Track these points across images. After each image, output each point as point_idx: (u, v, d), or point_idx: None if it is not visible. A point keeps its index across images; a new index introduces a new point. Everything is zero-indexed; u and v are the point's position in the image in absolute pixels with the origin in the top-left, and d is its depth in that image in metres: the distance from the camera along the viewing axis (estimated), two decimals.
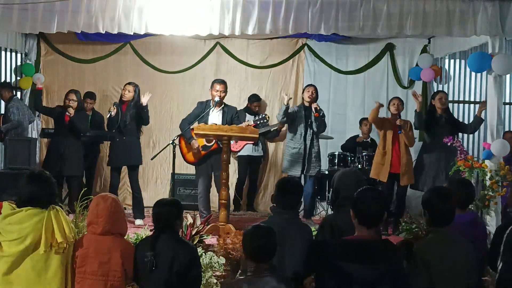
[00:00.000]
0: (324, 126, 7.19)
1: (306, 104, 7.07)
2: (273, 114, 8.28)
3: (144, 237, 5.07)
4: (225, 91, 6.64)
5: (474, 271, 3.43)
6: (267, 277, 3.10)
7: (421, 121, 6.87)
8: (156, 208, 3.70)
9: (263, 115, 6.74)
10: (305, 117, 7.02)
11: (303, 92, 7.26)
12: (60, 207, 3.72)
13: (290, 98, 6.97)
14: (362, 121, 8.09)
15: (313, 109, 6.98)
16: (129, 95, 6.92)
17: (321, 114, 7.02)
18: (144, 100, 6.84)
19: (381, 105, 6.82)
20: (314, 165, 7.06)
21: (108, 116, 6.93)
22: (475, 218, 4.19)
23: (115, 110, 6.84)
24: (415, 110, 6.93)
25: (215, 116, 6.62)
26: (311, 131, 7.03)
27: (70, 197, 7.24)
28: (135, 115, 6.88)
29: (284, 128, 8.19)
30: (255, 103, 8.28)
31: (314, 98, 7.09)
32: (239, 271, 3.29)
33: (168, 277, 3.51)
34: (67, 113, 7.06)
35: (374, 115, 6.76)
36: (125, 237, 3.95)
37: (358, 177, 4.04)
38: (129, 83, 7.02)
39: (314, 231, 4.17)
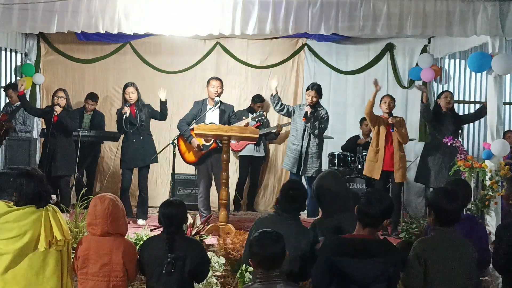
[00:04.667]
0: (321, 127, 7.15)
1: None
2: (273, 115, 8.29)
3: (147, 237, 5.04)
4: (222, 87, 6.68)
5: (475, 272, 3.43)
6: (279, 285, 3.00)
7: (429, 111, 6.88)
8: (169, 209, 3.67)
9: (261, 112, 6.83)
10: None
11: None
12: (59, 207, 3.73)
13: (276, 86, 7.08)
14: (363, 121, 8.08)
15: (304, 111, 7.01)
16: (134, 96, 6.88)
17: (309, 118, 7.00)
18: (162, 95, 6.92)
19: (378, 85, 6.68)
20: (310, 166, 7.06)
21: (124, 118, 6.81)
22: (471, 217, 4.18)
23: (128, 110, 6.80)
24: (421, 101, 7.02)
25: (212, 115, 6.62)
26: (309, 131, 7.05)
27: (61, 197, 7.17)
28: (149, 114, 6.93)
29: (284, 131, 8.21)
30: (258, 103, 8.25)
31: (315, 102, 7.06)
32: (240, 270, 3.28)
33: (180, 275, 3.54)
34: (54, 112, 7.02)
35: (369, 108, 6.66)
36: (125, 237, 3.95)
37: (335, 177, 4.02)
38: (129, 86, 6.93)
39: None
